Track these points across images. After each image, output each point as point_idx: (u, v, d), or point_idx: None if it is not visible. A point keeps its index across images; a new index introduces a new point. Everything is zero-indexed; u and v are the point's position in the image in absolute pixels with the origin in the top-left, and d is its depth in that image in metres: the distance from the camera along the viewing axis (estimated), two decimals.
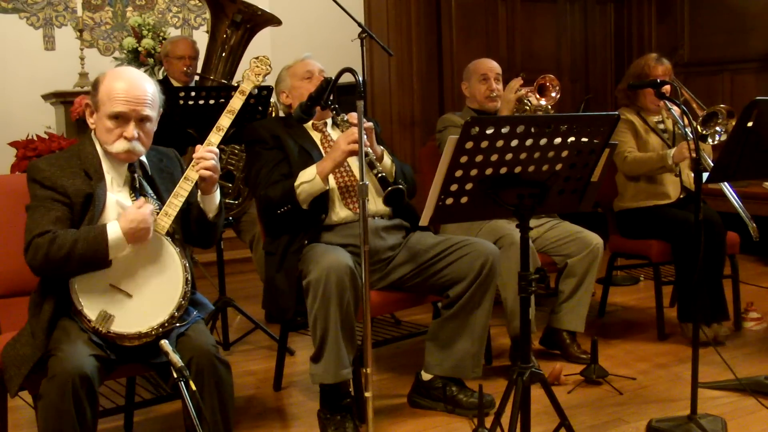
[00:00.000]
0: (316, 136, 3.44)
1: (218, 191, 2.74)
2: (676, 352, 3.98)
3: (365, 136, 2.85)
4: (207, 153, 2.62)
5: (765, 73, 6.57)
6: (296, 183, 3.18)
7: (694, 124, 3.98)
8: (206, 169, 2.60)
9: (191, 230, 2.76)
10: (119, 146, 2.57)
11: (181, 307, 2.53)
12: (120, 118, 2.55)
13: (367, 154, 2.87)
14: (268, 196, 3.24)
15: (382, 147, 3.34)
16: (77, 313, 2.44)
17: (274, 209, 3.25)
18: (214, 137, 2.69)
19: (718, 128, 3.99)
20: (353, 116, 3.20)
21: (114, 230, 2.43)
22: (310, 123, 3.43)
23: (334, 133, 3.42)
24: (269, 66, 2.99)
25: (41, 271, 2.47)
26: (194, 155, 2.61)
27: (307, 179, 3.17)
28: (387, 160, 3.36)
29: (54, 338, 2.41)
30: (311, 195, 3.19)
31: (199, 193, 2.69)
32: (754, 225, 4.18)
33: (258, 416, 3.36)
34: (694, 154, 3.82)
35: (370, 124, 3.22)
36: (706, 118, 4.04)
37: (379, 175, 3.06)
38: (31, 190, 2.55)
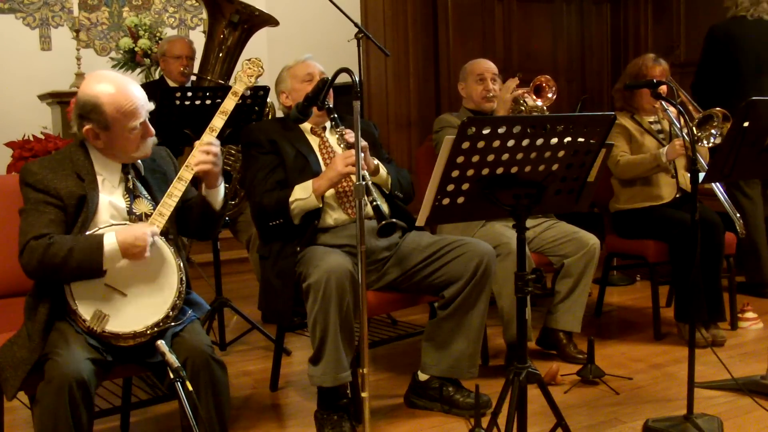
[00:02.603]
0: (314, 141, 3.43)
1: (222, 184, 2.76)
2: (673, 352, 3.98)
3: (361, 155, 2.84)
4: (201, 153, 2.63)
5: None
6: (291, 199, 3.19)
7: (691, 125, 3.99)
8: (204, 162, 2.63)
9: (194, 225, 2.78)
10: (145, 148, 2.63)
11: (176, 306, 2.54)
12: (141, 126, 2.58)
13: (363, 178, 2.86)
14: (262, 205, 3.24)
15: (376, 160, 3.34)
16: (72, 312, 2.44)
17: (266, 220, 3.26)
18: (207, 138, 2.70)
19: (713, 131, 4.00)
20: (349, 133, 3.20)
21: (110, 242, 2.44)
22: (308, 126, 3.42)
23: (332, 138, 3.41)
24: (261, 68, 2.99)
25: (35, 274, 2.47)
26: (189, 159, 2.62)
27: (302, 197, 3.18)
28: (382, 171, 3.36)
29: (51, 341, 2.41)
30: (304, 211, 3.21)
31: (204, 187, 2.71)
32: (741, 222, 4.20)
33: (255, 416, 3.36)
34: (688, 152, 3.85)
35: (364, 143, 3.21)
36: (701, 121, 4.05)
37: (374, 203, 3.05)
38: (24, 193, 2.55)
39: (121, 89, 2.54)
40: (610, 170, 4.27)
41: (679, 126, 4.14)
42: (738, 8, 5.20)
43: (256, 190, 3.28)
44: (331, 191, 3.28)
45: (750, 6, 5.15)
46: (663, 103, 4.08)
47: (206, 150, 2.64)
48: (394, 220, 2.99)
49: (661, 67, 4.26)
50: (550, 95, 4.06)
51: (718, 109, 4.01)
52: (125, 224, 2.57)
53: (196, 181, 2.71)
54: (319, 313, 2.96)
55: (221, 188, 2.75)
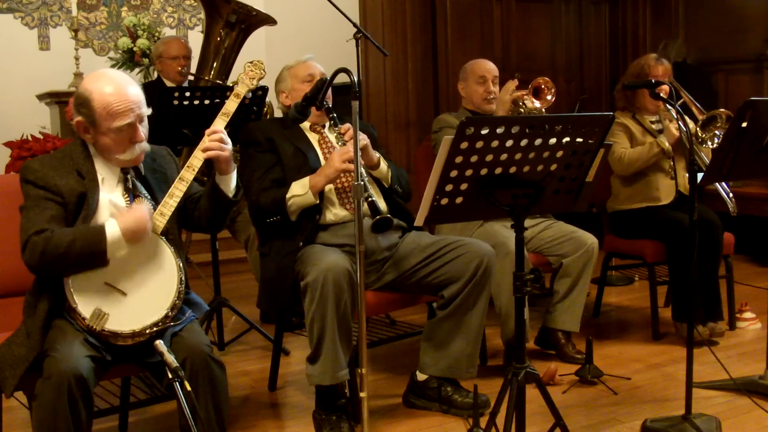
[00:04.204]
0: (314, 138, 3.43)
1: (235, 171, 2.77)
2: (671, 352, 3.98)
3: (359, 153, 2.84)
4: (208, 140, 2.65)
5: (759, 74, 6.58)
6: (288, 195, 3.19)
7: (690, 125, 3.99)
8: (212, 149, 2.64)
9: (204, 216, 2.78)
10: (132, 153, 2.60)
11: (175, 306, 2.54)
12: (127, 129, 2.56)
13: (361, 175, 2.86)
14: (258, 203, 3.25)
15: (378, 154, 3.35)
16: (71, 310, 2.44)
17: (263, 217, 3.26)
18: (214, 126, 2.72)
19: (717, 132, 4.00)
20: (345, 128, 3.21)
21: (112, 229, 2.44)
22: (307, 124, 3.42)
23: (331, 135, 3.42)
24: (263, 70, 3.00)
25: (38, 269, 2.47)
26: (191, 160, 2.62)
27: (299, 193, 3.19)
28: (383, 165, 3.37)
29: (50, 338, 2.42)
30: (301, 208, 3.22)
31: (217, 173, 2.72)
32: (733, 202, 4.21)
33: (253, 416, 3.36)
34: (683, 135, 3.86)
35: (366, 141, 3.21)
36: (705, 122, 4.05)
37: (370, 199, 3.05)
38: (25, 190, 2.55)
39: (115, 89, 2.53)
40: (612, 168, 4.27)
41: (683, 127, 4.13)
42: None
43: (252, 189, 3.28)
44: (330, 186, 3.28)
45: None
46: (663, 103, 4.08)
47: (213, 136, 2.66)
48: (389, 215, 2.99)
49: (664, 67, 4.25)
50: (548, 98, 4.06)
51: (722, 110, 4.01)
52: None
53: (209, 168, 2.73)
54: (317, 312, 2.96)
55: (233, 175, 2.76)
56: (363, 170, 3.12)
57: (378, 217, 2.99)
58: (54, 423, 2.26)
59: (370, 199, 3.05)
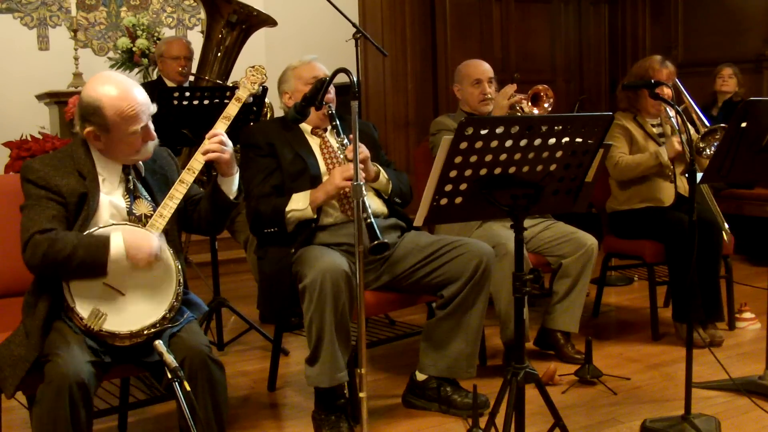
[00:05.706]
0: (315, 142, 3.42)
1: (237, 173, 2.77)
2: (670, 352, 3.98)
3: (359, 158, 2.84)
4: (209, 142, 2.66)
5: (758, 74, 6.59)
6: (287, 209, 3.20)
7: (691, 130, 3.99)
8: (212, 151, 2.65)
9: (205, 218, 2.78)
10: (146, 151, 2.63)
11: (173, 308, 2.54)
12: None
13: (360, 189, 2.83)
14: (258, 210, 3.25)
15: (377, 166, 3.34)
16: (69, 310, 2.44)
17: (261, 227, 3.27)
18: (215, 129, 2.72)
19: (716, 143, 3.99)
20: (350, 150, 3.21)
21: (117, 243, 2.44)
22: (309, 128, 3.42)
23: (333, 140, 3.40)
24: (265, 75, 3.01)
25: (37, 269, 2.47)
26: (191, 163, 2.63)
27: (299, 208, 3.19)
28: (382, 177, 3.36)
29: (50, 342, 2.41)
30: (299, 220, 3.22)
31: (220, 176, 2.73)
32: (727, 228, 4.21)
33: (252, 417, 3.36)
34: (686, 149, 3.86)
35: (366, 154, 3.21)
36: (706, 133, 4.05)
37: (368, 220, 3.03)
38: (25, 189, 2.55)
39: (124, 93, 2.53)
40: (609, 172, 4.26)
41: (678, 127, 4.14)
42: None
43: (252, 195, 3.28)
44: None
45: None
46: (663, 104, 4.08)
47: (213, 139, 2.66)
48: (386, 241, 2.99)
49: (668, 70, 4.23)
50: (546, 105, 4.05)
51: (723, 125, 4.01)
52: (126, 224, 2.57)
53: (210, 170, 2.73)
54: (315, 313, 2.96)
55: (236, 177, 2.76)
56: (362, 182, 3.11)
57: (375, 242, 2.97)
58: (54, 428, 2.26)
59: (368, 221, 3.02)
